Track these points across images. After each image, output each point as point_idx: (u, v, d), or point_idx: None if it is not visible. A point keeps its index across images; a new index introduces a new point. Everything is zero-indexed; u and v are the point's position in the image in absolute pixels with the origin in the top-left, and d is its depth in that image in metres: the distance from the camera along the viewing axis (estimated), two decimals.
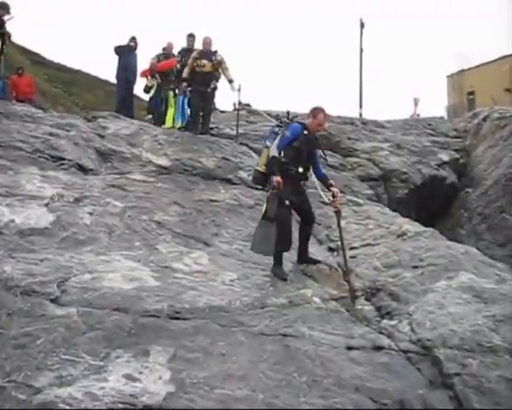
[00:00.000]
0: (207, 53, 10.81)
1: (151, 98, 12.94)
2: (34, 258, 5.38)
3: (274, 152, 6.19)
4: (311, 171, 6.50)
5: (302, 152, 6.21)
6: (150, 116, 13.43)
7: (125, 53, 12.76)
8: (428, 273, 6.22)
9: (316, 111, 6.30)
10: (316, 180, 6.87)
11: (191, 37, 11.76)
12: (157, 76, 12.51)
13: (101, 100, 25.76)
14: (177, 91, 11.87)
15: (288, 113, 6.67)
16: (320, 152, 6.55)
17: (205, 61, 10.74)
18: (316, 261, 6.58)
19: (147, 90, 12.90)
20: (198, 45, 11.50)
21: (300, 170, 6.21)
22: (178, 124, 11.57)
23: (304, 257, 6.56)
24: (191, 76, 10.81)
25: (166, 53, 12.80)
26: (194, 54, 10.91)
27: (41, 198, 6.78)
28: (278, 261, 6.22)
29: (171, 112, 12.11)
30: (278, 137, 6.28)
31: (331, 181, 6.49)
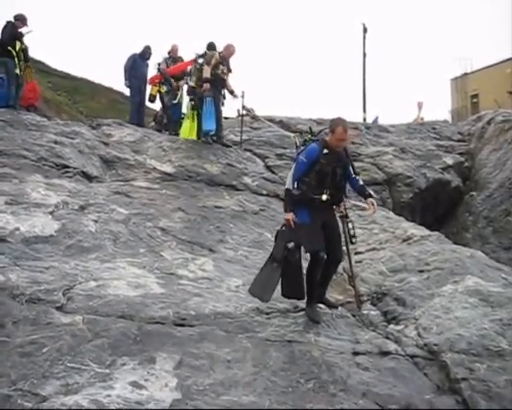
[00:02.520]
0: (227, 61, 10.62)
1: (165, 104, 12.52)
2: (39, 266, 5.38)
3: (288, 184, 5.42)
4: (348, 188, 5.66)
5: (326, 175, 5.30)
6: (152, 124, 13.24)
7: (138, 62, 12.53)
8: (434, 278, 6.21)
9: (333, 124, 5.37)
10: None
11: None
12: (172, 81, 12.20)
13: (105, 107, 25.88)
14: (191, 99, 11.26)
15: (310, 129, 5.87)
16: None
17: (226, 69, 10.57)
18: (332, 306, 5.63)
19: (152, 99, 12.62)
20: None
21: (324, 197, 5.28)
22: (205, 130, 10.58)
23: (321, 298, 5.57)
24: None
25: (173, 56, 12.55)
26: (217, 56, 10.47)
27: (46, 206, 6.79)
28: (309, 299, 5.42)
29: (187, 125, 11.44)
30: (294, 165, 5.50)
31: (370, 191, 5.75)
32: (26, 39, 10.88)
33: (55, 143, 9.03)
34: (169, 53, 12.61)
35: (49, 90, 26.84)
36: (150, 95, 12.55)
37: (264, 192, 9.24)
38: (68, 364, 3.95)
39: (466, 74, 32.41)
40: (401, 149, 11.98)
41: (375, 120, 18.22)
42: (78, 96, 28.80)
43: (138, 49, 12.71)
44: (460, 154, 12.26)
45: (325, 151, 5.30)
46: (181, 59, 12.40)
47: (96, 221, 6.76)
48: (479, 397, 4.25)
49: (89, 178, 8.43)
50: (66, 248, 5.97)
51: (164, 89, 12.26)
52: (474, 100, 31.43)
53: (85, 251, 6.01)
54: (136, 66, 12.44)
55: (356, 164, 11.10)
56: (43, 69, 29.69)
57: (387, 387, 4.31)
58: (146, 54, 12.68)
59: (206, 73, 10.30)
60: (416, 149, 12.09)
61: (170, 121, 12.47)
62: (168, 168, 9.31)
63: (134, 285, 5.32)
